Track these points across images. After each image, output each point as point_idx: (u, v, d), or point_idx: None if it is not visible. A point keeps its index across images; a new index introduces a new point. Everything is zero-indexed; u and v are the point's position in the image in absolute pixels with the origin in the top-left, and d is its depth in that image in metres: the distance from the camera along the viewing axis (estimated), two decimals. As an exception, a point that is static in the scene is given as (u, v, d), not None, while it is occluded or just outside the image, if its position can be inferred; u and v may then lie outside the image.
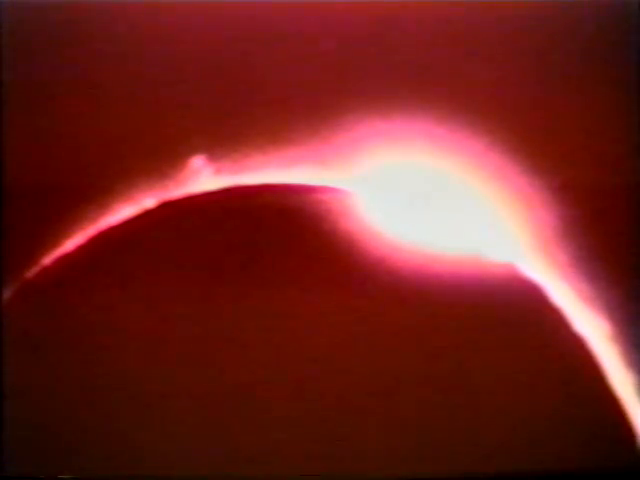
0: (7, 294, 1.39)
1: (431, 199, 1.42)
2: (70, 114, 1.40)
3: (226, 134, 1.41)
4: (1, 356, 1.39)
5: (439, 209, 1.42)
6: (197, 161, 1.41)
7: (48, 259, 1.40)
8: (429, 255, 1.40)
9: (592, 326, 1.41)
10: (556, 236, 1.42)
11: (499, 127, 1.41)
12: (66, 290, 1.40)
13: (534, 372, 1.41)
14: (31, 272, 1.39)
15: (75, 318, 1.39)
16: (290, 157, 1.41)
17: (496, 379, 1.40)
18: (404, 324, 1.40)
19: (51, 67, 1.41)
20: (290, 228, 1.40)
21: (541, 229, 1.42)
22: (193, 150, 1.40)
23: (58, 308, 1.40)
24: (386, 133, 1.41)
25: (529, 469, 1.40)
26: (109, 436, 1.39)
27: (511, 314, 1.41)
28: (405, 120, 1.41)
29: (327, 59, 1.41)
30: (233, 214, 1.41)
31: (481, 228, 1.42)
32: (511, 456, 1.40)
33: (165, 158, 1.40)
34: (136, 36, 1.41)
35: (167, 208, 1.41)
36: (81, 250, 1.40)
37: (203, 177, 1.41)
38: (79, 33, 1.41)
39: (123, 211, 1.40)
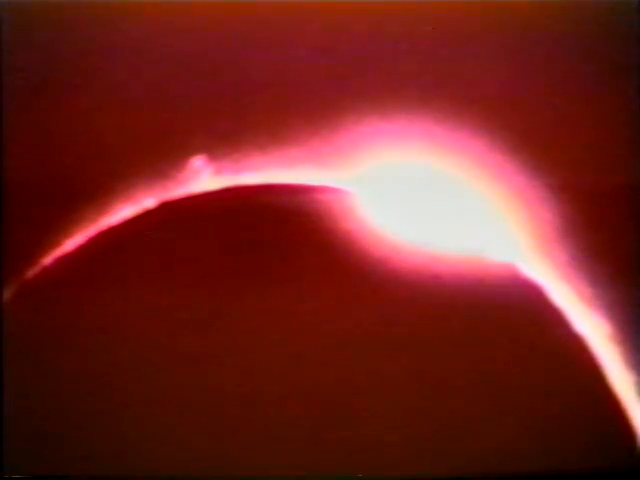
0: (7, 294, 1.40)
1: (431, 199, 1.42)
2: (70, 114, 1.40)
3: (226, 134, 1.41)
4: (1, 356, 1.39)
5: (439, 209, 1.42)
6: (197, 161, 1.41)
7: (48, 259, 1.40)
8: (429, 255, 1.40)
9: (592, 326, 1.41)
10: (556, 236, 1.42)
11: (499, 127, 1.41)
12: (66, 290, 1.40)
13: (534, 372, 1.41)
14: (31, 272, 1.40)
15: (75, 318, 1.39)
16: (290, 157, 1.41)
17: (496, 379, 1.40)
18: (404, 324, 1.40)
19: (51, 67, 1.41)
20: (290, 228, 1.40)
21: (541, 229, 1.42)
22: (193, 150, 1.40)
23: (58, 308, 1.40)
24: (386, 133, 1.41)
25: (529, 469, 1.40)
26: (109, 436, 1.39)
27: (511, 314, 1.41)
28: (405, 120, 1.41)
29: (327, 59, 1.41)
30: (233, 214, 1.41)
31: (481, 228, 1.42)
32: (511, 456, 1.40)
33: (165, 158, 1.40)
34: (136, 36, 1.41)
35: (167, 208, 1.41)
36: (81, 250, 1.40)
37: (203, 177, 1.41)
38: (79, 33, 1.41)
39: (123, 211, 1.40)
